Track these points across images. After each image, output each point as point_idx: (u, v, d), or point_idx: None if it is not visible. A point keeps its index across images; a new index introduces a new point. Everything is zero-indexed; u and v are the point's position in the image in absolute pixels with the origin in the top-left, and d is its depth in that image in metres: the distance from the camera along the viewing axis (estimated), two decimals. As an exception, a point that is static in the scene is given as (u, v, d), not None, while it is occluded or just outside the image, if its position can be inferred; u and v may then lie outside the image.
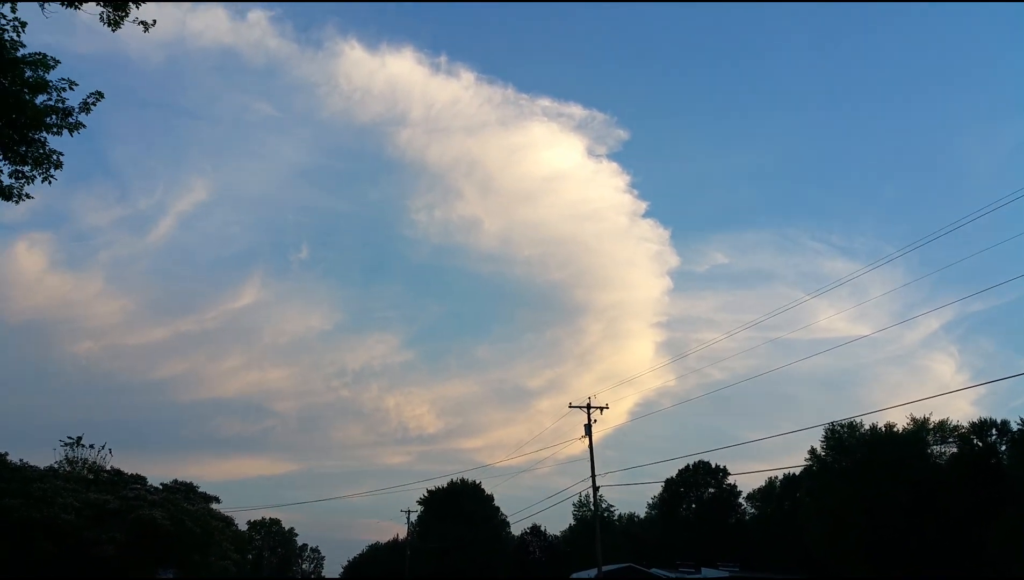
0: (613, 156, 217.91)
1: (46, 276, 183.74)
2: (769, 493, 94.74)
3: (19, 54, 13.37)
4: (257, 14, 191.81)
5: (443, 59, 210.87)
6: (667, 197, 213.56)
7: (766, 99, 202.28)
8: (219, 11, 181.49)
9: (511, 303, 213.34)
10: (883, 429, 69.35)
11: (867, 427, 70.28)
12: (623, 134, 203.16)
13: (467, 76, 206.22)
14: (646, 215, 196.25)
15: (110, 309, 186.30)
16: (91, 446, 57.54)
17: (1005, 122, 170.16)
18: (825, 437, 71.94)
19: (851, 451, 69.55)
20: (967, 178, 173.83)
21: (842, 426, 70.71)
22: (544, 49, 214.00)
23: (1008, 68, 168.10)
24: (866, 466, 65.55)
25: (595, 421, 46.93)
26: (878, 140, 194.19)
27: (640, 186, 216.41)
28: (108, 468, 57.81)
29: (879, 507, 63.02)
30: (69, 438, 56.27)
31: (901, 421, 70.22)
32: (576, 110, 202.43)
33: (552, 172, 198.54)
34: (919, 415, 68.67)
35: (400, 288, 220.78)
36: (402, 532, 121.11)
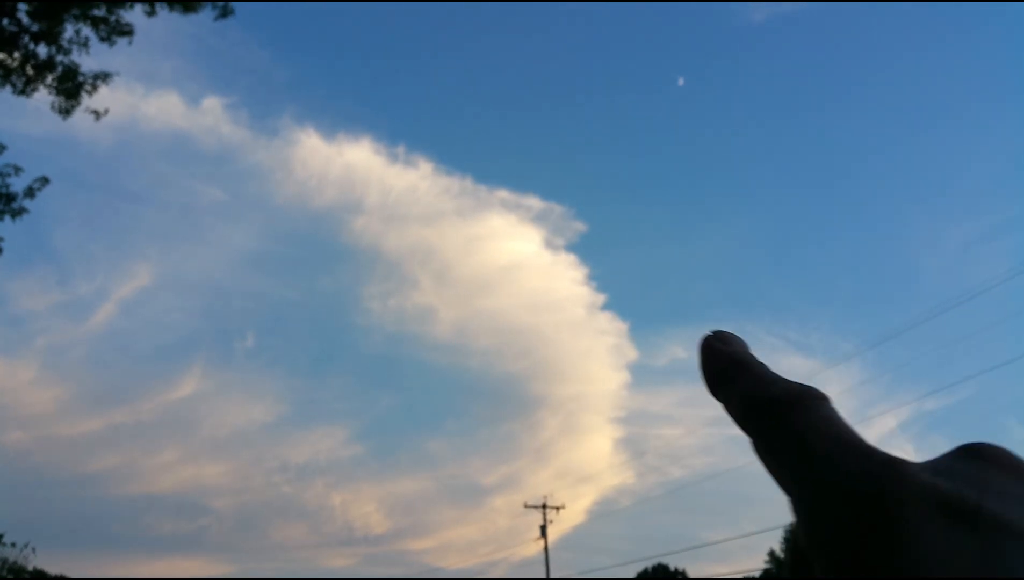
0: (571, 248, 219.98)
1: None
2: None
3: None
4: (212, 101, 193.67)
5: (401, 149, 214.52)
6: (626, 289, 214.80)
7: (722, 194, 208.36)
8: (173, 96, 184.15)
9: (466, 395, 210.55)
10: (842, 530, 68.62)
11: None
12: (581, 226, 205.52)
13: (425, 166, 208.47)
14: (604, 307, 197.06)
15: (43, 398, 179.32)
16: (12, 544, 54.65)
17: (950, 225, 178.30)
18: (785, 538, 70.90)
19: (811, 553, 68.66)
20: (916, 277, 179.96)
21: (801, 527, 69.87)
22: (503, 140, 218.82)
23: (952, 177, 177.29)
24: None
25: (551, 521, 45.43)
26: (833, 237, 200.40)
27: (598, 278, 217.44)
28: (30, 569, 54.75)
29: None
30: (-12, 536, 53.39)
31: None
32: (534, 201, 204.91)
33: (510, 262, 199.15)
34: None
35: (350, 379, 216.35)
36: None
